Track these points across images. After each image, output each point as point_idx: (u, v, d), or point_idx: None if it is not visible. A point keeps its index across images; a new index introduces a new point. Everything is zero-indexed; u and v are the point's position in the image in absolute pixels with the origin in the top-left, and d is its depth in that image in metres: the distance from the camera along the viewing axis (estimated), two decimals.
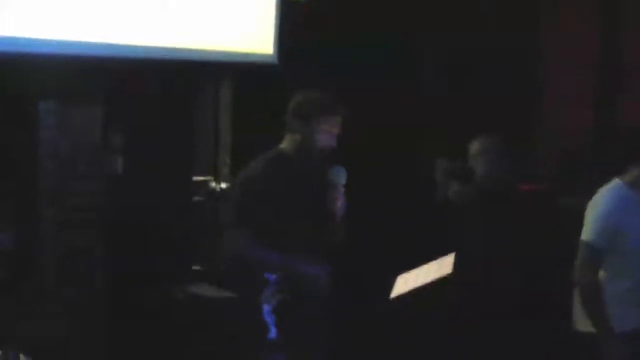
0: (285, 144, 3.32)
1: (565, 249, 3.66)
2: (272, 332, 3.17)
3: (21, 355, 3.01)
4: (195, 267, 4.73)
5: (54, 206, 4.04)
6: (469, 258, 4.05)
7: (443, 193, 4.51)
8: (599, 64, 5.97)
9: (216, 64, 4.53)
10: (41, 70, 3.73)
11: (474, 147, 4.41)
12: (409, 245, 4.40)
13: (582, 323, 3.53)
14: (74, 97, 4.05)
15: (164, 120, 4.53)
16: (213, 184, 4.85)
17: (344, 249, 3.38)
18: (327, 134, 3.24)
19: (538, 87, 6.20)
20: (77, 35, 3.72)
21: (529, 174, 5.26)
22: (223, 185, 4.87)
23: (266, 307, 3.17)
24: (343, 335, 3.88)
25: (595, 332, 3.45)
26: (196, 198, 4.80)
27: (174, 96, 4.61)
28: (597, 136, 5.88)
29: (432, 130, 5.62)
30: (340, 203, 3.24)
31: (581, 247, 3.47)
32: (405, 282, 3.86)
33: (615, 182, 3.54)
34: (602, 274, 3.48)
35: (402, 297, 3.77)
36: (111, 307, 4.19)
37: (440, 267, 3.96)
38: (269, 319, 3.17)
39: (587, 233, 3.45)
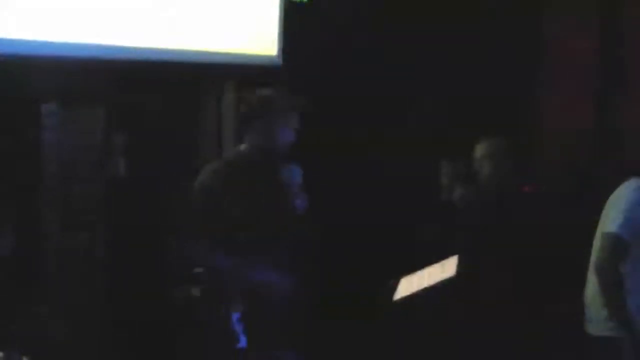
0: (244, 145, 3.26)
1: (571, 250, 3.65)
2: (241, 341, 3.09)
3: (23, 357, 3.01)
4: (196, 270, 4.72)
5: (55, 208, 4.03)
6: (473, 260, 4.05)
7: (448, 195, 4.51)
8: (599, 64, 5.97)
9: (219, 66, 4.52)
10: (44, 72, 3.73)
11: (479, 149, 4.41)
12: (413, 248, 4.40)
13: (594, 327, 3.52)
14: (77, 99, 4.04)
15: (167, 122, 4.52)
16: None
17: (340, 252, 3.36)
18: (285, 130, 3.18)
19: (538, 89, 6.20)
20: (80, 37, 3.72)
21: (531, 176, 5.26)
22: None
23: (235, 315, 3.10)
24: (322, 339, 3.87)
25: (609, 334, 3.44)
26: None
27: (177, 98, 4.60)
28: (598, 138, 5.88)
29: (433, 132, 5.61)
30: (298, 202, 3.19)
31: (605, 238, 3.45)
32: (409, 285, 3.87)
33: (633, 180, 3.55)
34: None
35: (405, 299, 3.78)
36: (112, 308, 4.18)
37: (444, 269, 3.97)
38: (237, 327, 3.10)
39: (612, 225, 3.42)
